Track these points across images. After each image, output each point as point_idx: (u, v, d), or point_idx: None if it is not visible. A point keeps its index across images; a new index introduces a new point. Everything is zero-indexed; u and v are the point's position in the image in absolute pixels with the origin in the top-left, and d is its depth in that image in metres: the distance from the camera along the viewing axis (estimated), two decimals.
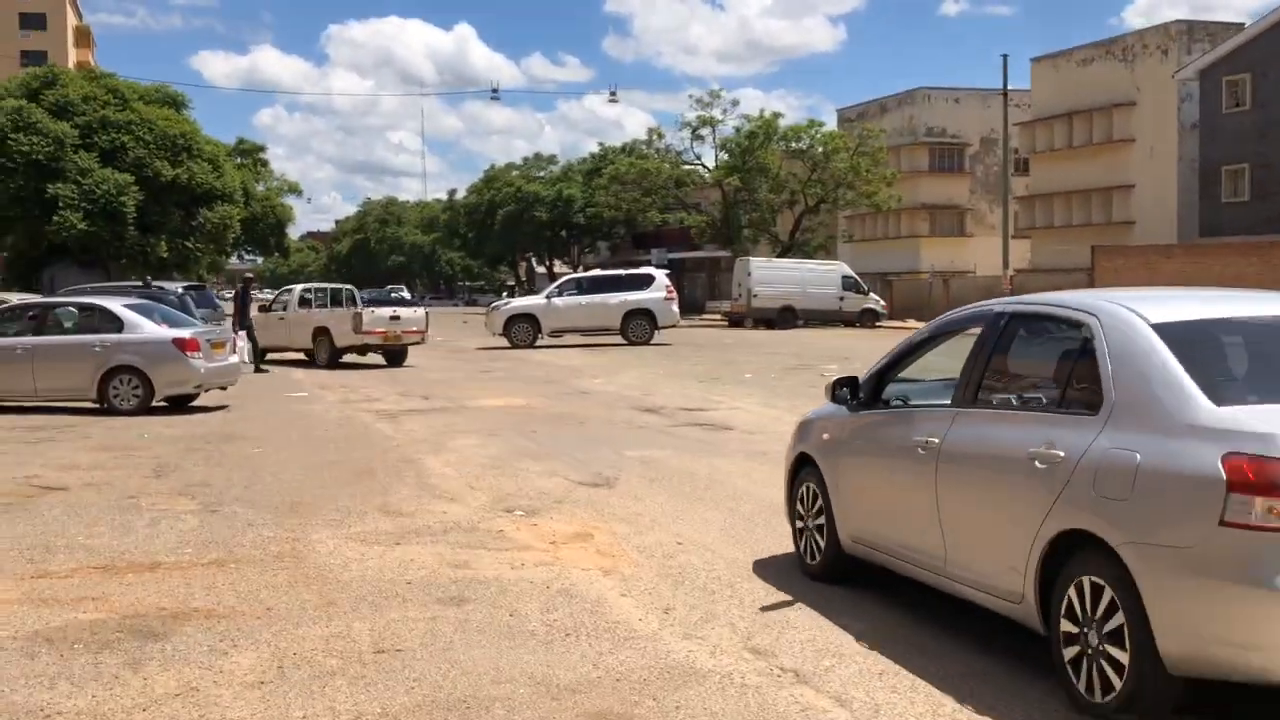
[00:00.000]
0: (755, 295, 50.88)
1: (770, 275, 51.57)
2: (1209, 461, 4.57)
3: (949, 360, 6.70)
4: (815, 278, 52.22)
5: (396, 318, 26.98)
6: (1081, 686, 5.07)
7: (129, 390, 17.06)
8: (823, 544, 7.36)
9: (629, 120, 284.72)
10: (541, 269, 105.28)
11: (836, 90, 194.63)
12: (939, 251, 67.22)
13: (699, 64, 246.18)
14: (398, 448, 13.49)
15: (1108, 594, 4.92)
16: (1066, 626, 5.15)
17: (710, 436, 14.24)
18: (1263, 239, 42.04)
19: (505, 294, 73.60)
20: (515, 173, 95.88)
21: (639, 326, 34.83)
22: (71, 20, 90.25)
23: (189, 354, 17.11)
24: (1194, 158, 49.68)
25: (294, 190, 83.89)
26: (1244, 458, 4.48)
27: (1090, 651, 5.02)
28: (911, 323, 54.03)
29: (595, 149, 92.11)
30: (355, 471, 11.70)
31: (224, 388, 18.57)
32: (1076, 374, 5.59)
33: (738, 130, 59.54)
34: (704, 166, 62.26)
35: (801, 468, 7.74)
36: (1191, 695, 4.82)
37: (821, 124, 61.18)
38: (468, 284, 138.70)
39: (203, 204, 46.22)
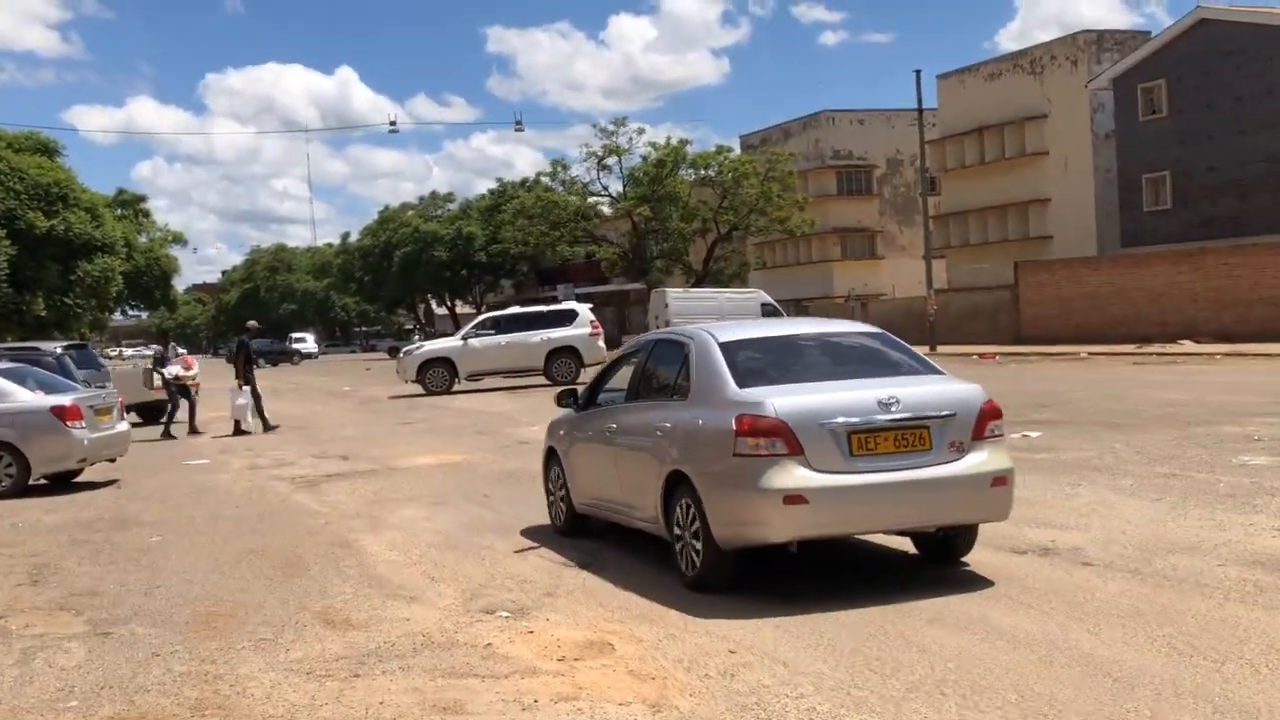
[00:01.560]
0: (673, 326, 49.10)
1: (688, 306, 49.77)
2: (728, 420, 7.41)
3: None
4: (734, 306, 50.56)
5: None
6: (683, 567, 7.93)
7: (1, 470, 14.59)
8: (565, 510, 10.21)
9: (518, 158, 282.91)
10: (442, 310, 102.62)
11: (723, 122, 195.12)
12: (852, 275, 66.25)
13: (585, 99, 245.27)
14: (327, 526, 11.28)
15: (692, 509, 7.71)
16: (677, 532, 7.97)
17: None
18: (1193, 246, 41.40)
19: (416, 337, 70.86)
20: (411, 212, 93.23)
21: (564, 365, 32.73)
22: None
23: (70, 423, 14.71)
24: (1110, 168, 49.17)
25: (178, 240, 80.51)
26: (745, 416, 7.35)
27: (686, 545, 7.85)
28: None
29: (491, 186, 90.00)
30: (281, 563, 9.49)
31: (113, 459, 16.14)
32: (680, 374, 8.41)
33: (645, 159, 57.86)
34: (612, 197, 60.45)
35: (550, 457, 10.61)
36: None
37: (730, 149, 59.80)
38: (364, 329, 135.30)
39: (81, 256, 43.06)
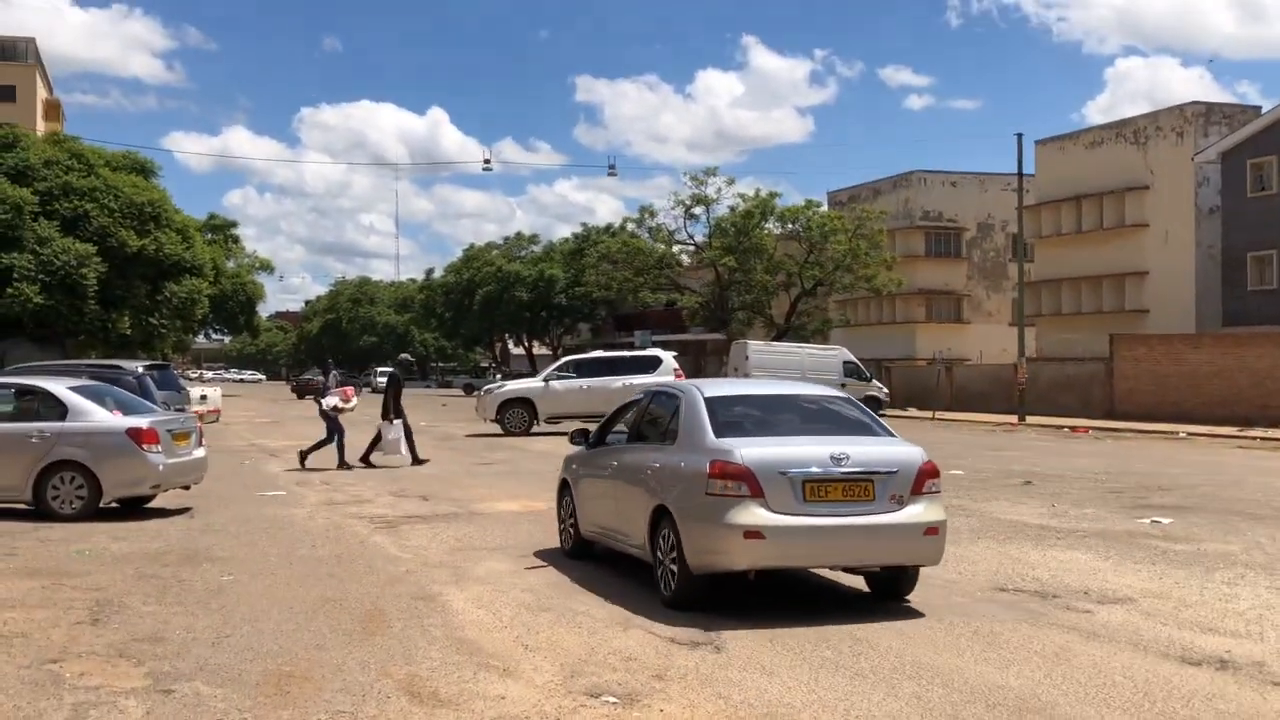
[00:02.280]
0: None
1: (768, 359, 48.88)
2: (704, 463, 8.89)
3: None
4: (815, 363, 49.59)
5: None
6: (662, 588, 9.25)
7: (71, 490, 14.04)
8: (573, 534, 11.45)
9: (600, 206, 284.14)
10: (519, 350, 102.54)
11: (806, 181, 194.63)
12: (935, 337, 64.91)
13: (669, 152, 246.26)
14: (408, 575, 10.51)
15: (671, 536, 9.06)
16: (659, 557, 9.31)
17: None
18: None
19: (496, 376, 70.43)
20: (495, 252, 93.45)
21: None
22: (42, 93, 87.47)
23: (146, 447, 14.14)
24: (1212, 243, 47.59)
25: (265, 267, 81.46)
26: (717, 462, 8.80)
27: (665, 569, 9.20)
28: (913, 411, 51.52)
29: (575, 231, 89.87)
30: (360, 615, 8.73)
31: (187, 487, 15.55)
32: (671, 421, 9.80)
33: (733, 209, 57.18)
34: (696, 246, 59.78)
35: (563, 488, 11.88)
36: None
37: (818, 204, 58.95)
38: (440, 365, 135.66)
39: (170, 277, 43.15)
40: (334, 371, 24.57)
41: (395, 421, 21.90)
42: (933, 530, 8.91)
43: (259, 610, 8.90)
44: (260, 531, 13.28)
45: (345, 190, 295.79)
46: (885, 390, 51.16)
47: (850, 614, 8.90)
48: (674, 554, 9.01)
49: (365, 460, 21.82)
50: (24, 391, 15.00)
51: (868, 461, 8.83)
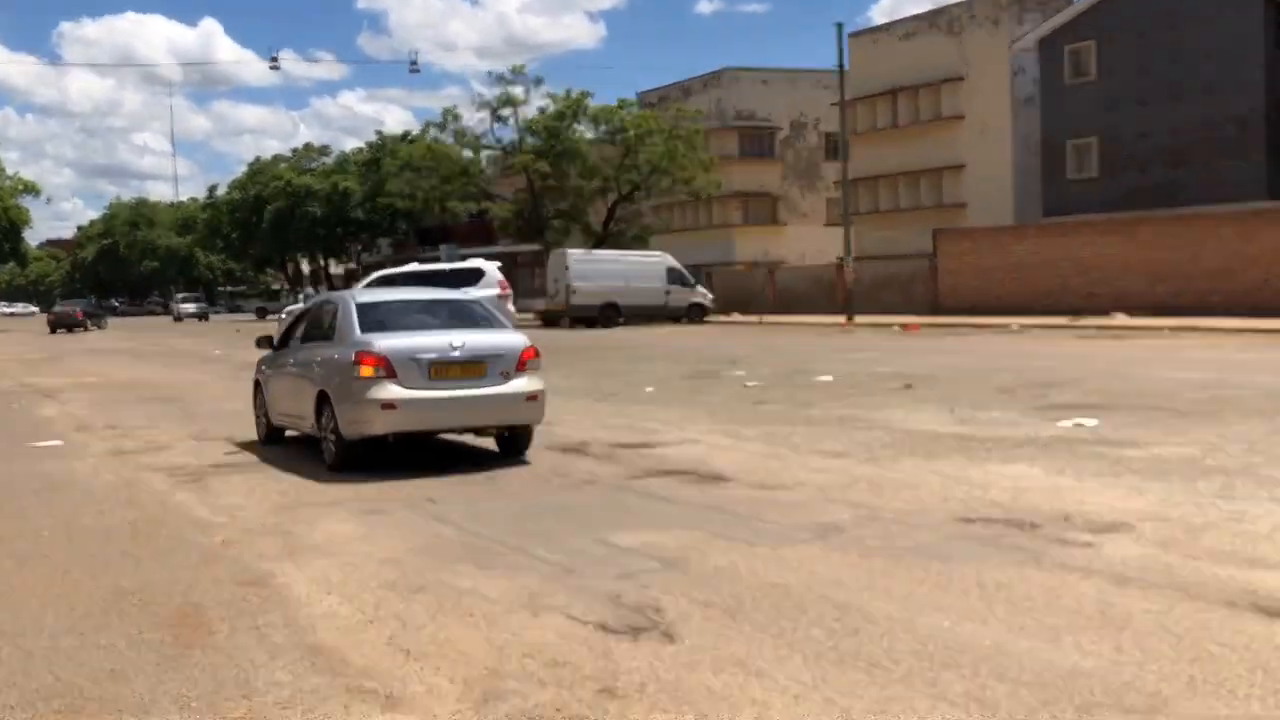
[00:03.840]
0: (574, 291, 46.28)
1: (590, 269, 47.02)
2: (351, 354, 11.01)
3: None
4: (639, 270, 47.95)
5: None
6: (326, 458, 11.36)
7: None
8: (265, 424, 13.64)
9: (389, 118, 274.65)
10: (312, 269, 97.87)
11: (603, 89, 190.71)
12: (753, 241, 63.96)
13: (458, 59, 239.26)
14: (227, 548, 8.13)
15: (329, 413, 11.21)
16: (323, 432, 11.42)
17: (713, 496, 9.35)
18: (1125, 216, 39.67)
19: (301, 296, 66.21)
20: (284, 165, 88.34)
21: None
22: None
23: None
24: (1030, 133, 47.37)
25: (30, 190, 74.94)
26: (360, 352, 10.95)
27: (328, 441, 11.32)
28: (737, 316, 50.36)
29: (370, 140, 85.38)
30: (169, 616, 6.38)
31: None
32: (330, 324, 12.10)
33: (542, 111, 54.51)
34: (506, 150, 56.94)
35: (256, 387, 14.06)
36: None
37: (633, 103, 56.76)
38: (229, 289, 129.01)
39: None
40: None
41: None
42: (533, 397, 11.45)
43: (27, 616, 6.44)
44: (31, 495, 10.60)
45: (115, 109, 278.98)
46: (709, 296, 49.86)
47: (838, 589, 6.97)
48: (333, 428, 11.23)
49: None
50: None
51: (480, 347, 11.31)
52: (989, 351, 25.05)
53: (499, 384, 11.19)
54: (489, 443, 12.27)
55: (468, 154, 57.00)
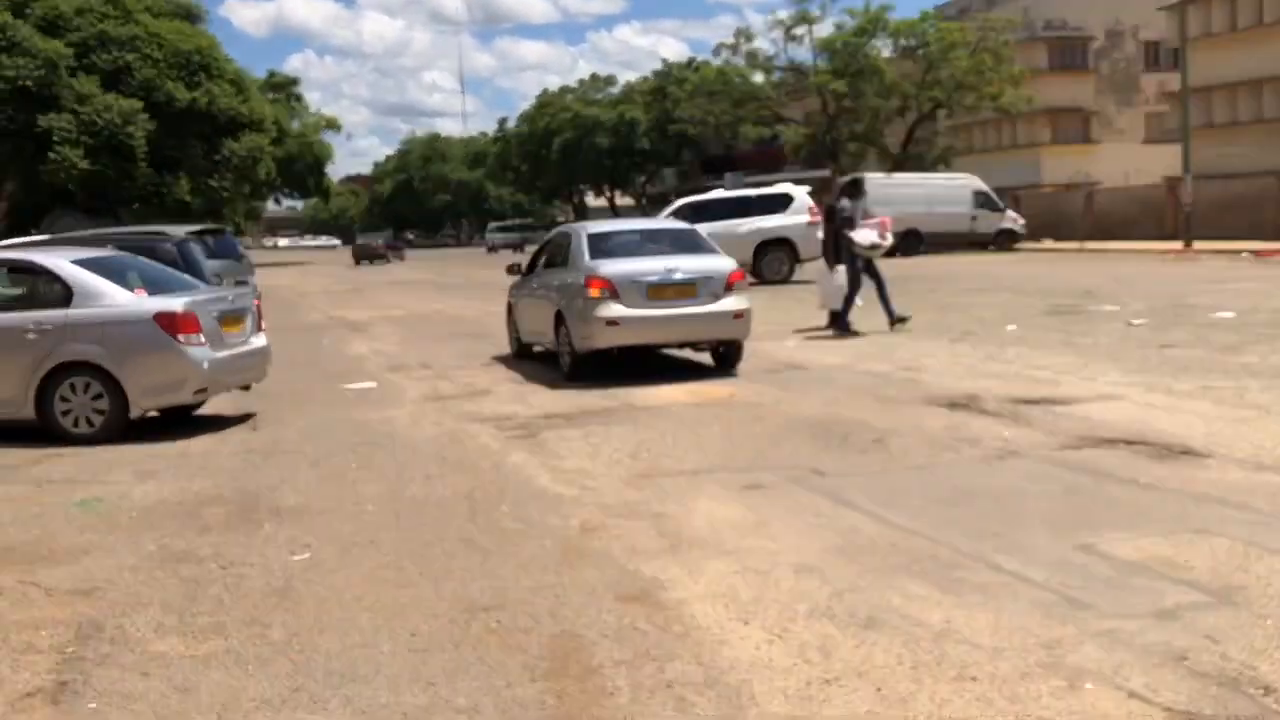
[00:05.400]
0: (872, 217, 43.43)
1: (891, 194, 43.73)
2: (582, 279, 12.42)
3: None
4: (943, 195, 44.67)
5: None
6: (563, 367, 13.20)
7: (87, 402, 10.19)
8: (516, 342, 15.28)
9: (664, 50, 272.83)
10: (600, 202, 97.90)
11: (900, 4, 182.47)
12: (1062, 161, 59.41)
13: None
14: (588, 538, 6.47)
15: (564, 330, 13.07)
16: (560, 346, 13.17)
17: (1199, 480, 7.02)
18: None
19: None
20: (571, 97, 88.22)
21: (776, 261, 27.62)
22: None
23: (183, 338, 10.21)
24: None
25: (332, 126, 77.51)
26: (590, 277, 12.34)
27: (563, 353, 13.09)
28: (1048, 243, 46.54)
29: (656, 68, 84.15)
30: (543, 654, 4.71)
31: (246, 387, 11.67)
32: (565, 253, 13.51)
33: (839, 28, 51.59)
34: (801, 72, 54.32)
35: (509, 310, 15.65)
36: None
37: (937, 16, 53.05)
38: (518, 222, 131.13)
39: (227, 134, 38.93)
40: (850, 201, 16.66)
41: (837, 268, 16.27)
42: (739, 315, 12.49)
43: (357, 642, 4.92)
44: (349, 452, 9.32)
45: (405, 49, 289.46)
46: (1020, 221, 46.19)
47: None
48: (568, 342, 12.65)
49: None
50: (17, 269, 11.09)
51: (692, 270, 12.49)
52: None
53: (709, 303, 12.39)
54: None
55: (759, 77, 54.67)
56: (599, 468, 8.26)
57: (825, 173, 56.69)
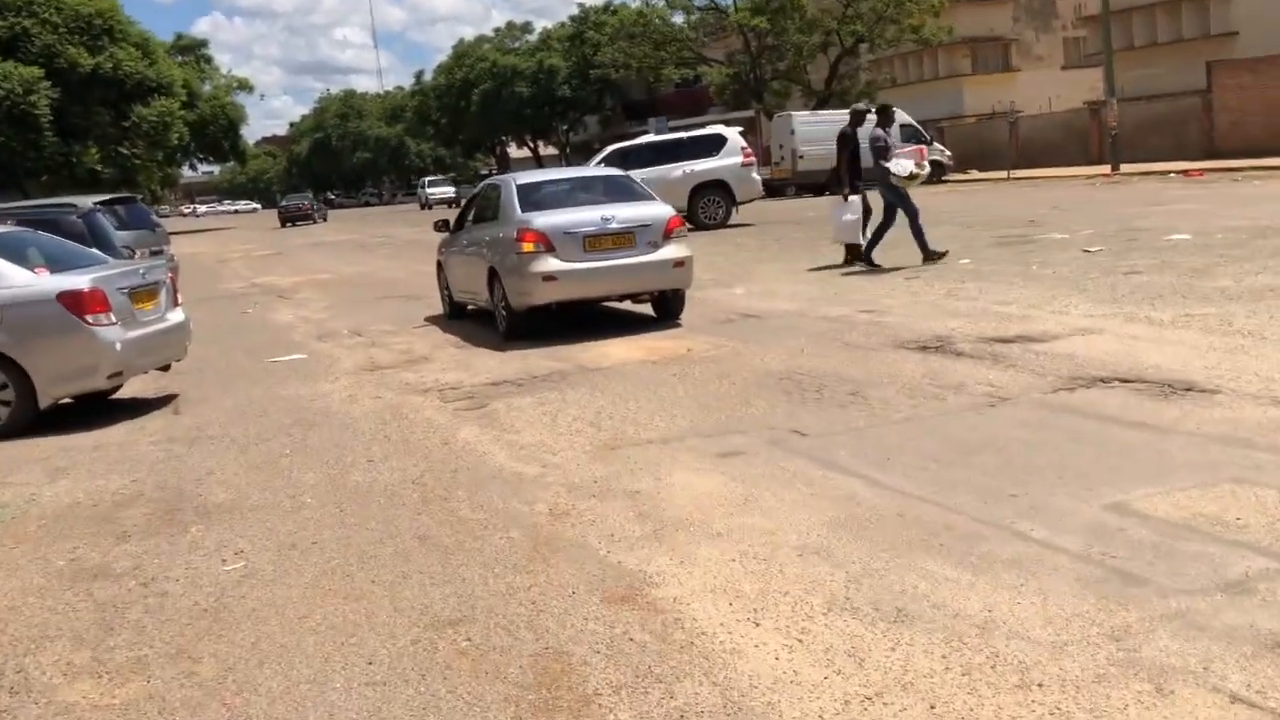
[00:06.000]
0: (801, 156, 42.93)
1: (817, 132, 43.28)
2: (514, 231, 11.93)
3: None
4: (871, 130, 44.16)
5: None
6: (499, 326, 12.57)
7: None
8: (449, 302, 14.71)
9: None
10: (523, 152, 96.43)
11: None
12: (983, 91, 58.80)
13: None
14: (559, 524, 5.79)
15: (499, 287, 12.33)
16: (495, 305, 12.59)
17: (1214, 419, 6.48)
18: None
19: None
20: (488, 46, 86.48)
21: (712, 205, 26.94)
22: None
23: (91, 318, 9.34)
24: None
25: (244, 87, 75.19)
26: (522, 229, 11.74)
27: (499, 312, 12.57)
28: (975, 174, 46.31)
29: (572, 14, 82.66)
30: (526, 682, 4.03)
31: (165, 367, 10.80)
32: (494, 205, 12.92)
33: None
34: (719, 9, 53.35)
35: (439, 268, 15.04)
36: None
37: None
38: (441, 177, 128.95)
39: (135, 99, 37.30)
40: (896, 122, 16.73)
41: (850, 199, 15.91)
42: (680, 263, 12.04)
43: (304, 680, 4.20)
44: (281, 434, 8.54)
45: (315, 6, 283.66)
46: (948, 153, 45.87)
47: None
48: (503, 300, 12.09)
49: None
50: None
51: (629, 219, 11.95)
52: None
53: (648, 253, 11.88)
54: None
55: (679, 18, 53.73)
56: (559, 440, 7.56)
57: (750, 113, 55.98)
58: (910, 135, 44.69)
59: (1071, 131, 46.84)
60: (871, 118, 16.71)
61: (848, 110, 47.77)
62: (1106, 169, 38.12)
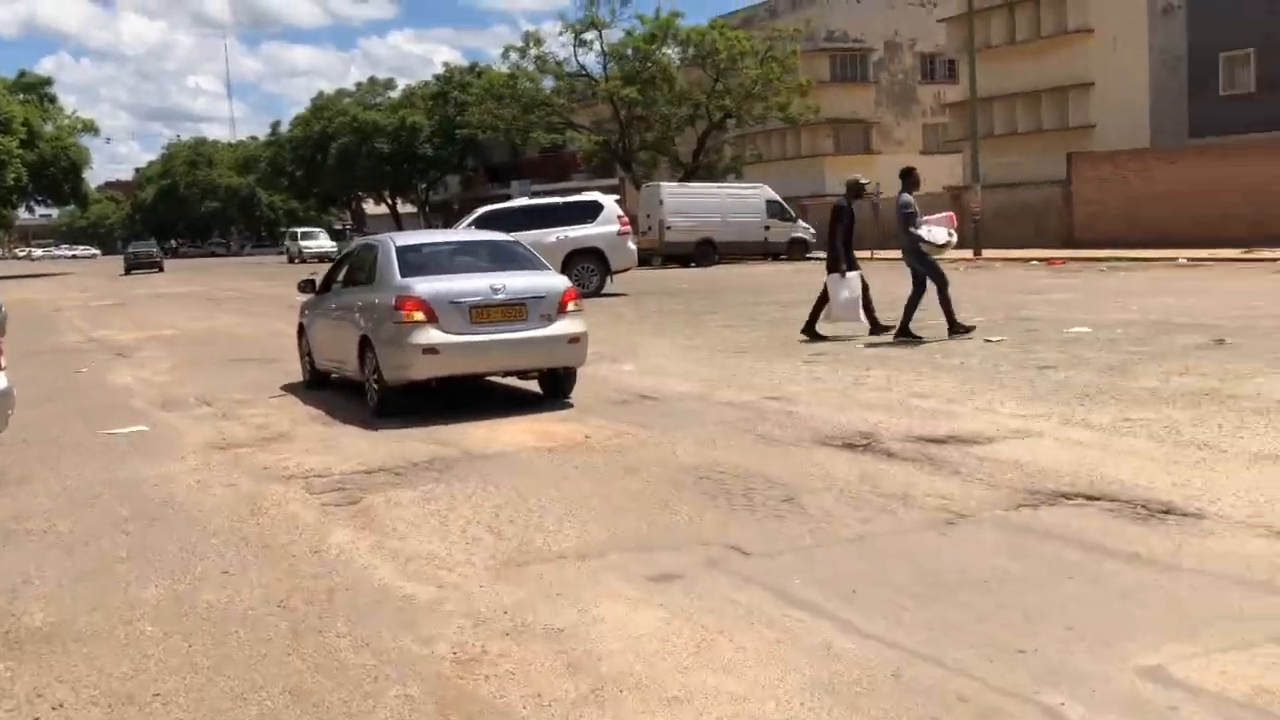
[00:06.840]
0: (669, 227, 42.71)
1: (685, 203, 43.38)
2: (392, 299, 10.82)
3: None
4: (736, 204, 44.25)
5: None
6: (370, 401, 11.20)
7: None
8: (310, 369, 13.57)
9: (437, 57, 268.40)
10: (380, 209, 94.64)
11: (677, 5, 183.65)
12: (845, 171, 59.11)
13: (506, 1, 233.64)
14: (469, 678, 4.68)
15: (371, 358, 11.02)
16: (367, 376, 11.21)
17: (1220, 554, 5.70)
18: None
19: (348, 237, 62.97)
20: (348, 100, 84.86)
21: (586, 272, 26.09)
22: None
23: None
24: (1168, 46, 42.86)
25: (89, 128, 72.08)
26: (401, 297, 10.74)
27: (370, 386, 11.16)
28: None
29: (437, 73, 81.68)
30: None
31: None
32: (370, 267, 11.88)
33: (629, 33, 50.47)
34: (590, 78, 52.98)
35: (300, 330, 13.98)
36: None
37: (725, 23, 52.53)
38: (293, 230, 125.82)
39: None
40: (910, 198, 15.00)
41: (849, 274, 15.23)
42: (575, 339, 11.20)
43: None
44: (116, 531, 7.21)
45: (168, 52, 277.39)
46: (811, 230, 46.05)
47: None
48: (376, 373, 11.08)
49: (810, 331, 15.48)
50: None
51: (520, 290, 11.08)
52: (1205, 292, 21.11)
53: (541, 327, 11.01)
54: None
55: (549, 82, 53.08)
56: (453, 550, 6.44)
57: (614, 181, 55.61)
58: (776, 212, 45.04)
59: (931, 213, 47.44)
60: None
61: (716, 183, 47.76)
62: (969, 253, 38.46)
